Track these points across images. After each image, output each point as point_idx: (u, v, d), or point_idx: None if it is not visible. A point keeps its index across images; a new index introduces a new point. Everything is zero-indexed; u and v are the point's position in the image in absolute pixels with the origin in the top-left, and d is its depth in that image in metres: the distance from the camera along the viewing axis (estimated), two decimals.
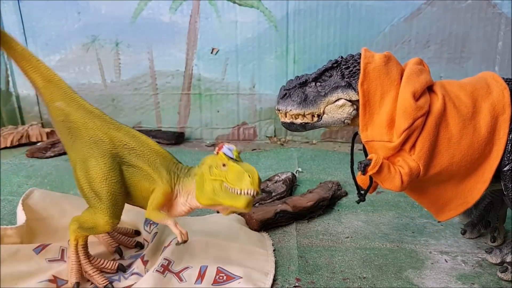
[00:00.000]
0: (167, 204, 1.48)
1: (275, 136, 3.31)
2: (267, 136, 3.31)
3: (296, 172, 2.57)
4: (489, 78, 1.49)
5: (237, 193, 1.31)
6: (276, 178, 2.34)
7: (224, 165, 1.35)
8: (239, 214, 2.00)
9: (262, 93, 3.21)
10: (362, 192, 1.59)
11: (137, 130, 1.52)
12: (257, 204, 2.07)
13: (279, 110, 1.51)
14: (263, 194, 2.16)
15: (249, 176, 1.30)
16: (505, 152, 1.41)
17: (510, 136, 1.40)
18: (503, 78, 1.49)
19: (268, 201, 2.12)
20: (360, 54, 1.46)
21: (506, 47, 2.96)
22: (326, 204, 2.09)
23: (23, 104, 3.32)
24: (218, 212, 1.43)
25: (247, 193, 1.30)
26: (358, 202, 1.59)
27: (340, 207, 2.15)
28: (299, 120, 1.49)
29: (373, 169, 1.37)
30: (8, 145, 3.14)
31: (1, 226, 1.70)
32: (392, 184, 1.39)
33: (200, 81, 3.23)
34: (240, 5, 3.03)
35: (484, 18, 2.92)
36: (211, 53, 3.16)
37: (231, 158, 1.36)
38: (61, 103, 1.48)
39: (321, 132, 3.25)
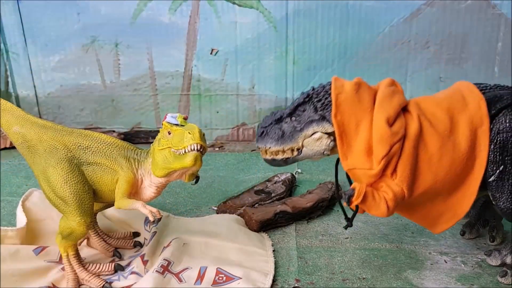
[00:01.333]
0: (136, 191, 1.52)
1: None
2: None
3: (295, 173, 2.57)
4: (464, 89, 1.47)
5: (182, 153, 1.36)
6: (276, 178, 2.34)
7: (169, 133, 1.40)
8: (238, 214, 2.00)
9: (262, 93, 3.21)
10: (349, 217, 1.58)
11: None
12: (256, 205, 2.07)
13: (259, 148, 1.53)
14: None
15: (189, 133, 1.33)
16: (488, 163, 1.39)
17: (492, 147, 1.38)
18: (479, 86, 1.47)
19: (267, 201, 2.12)
20: (330, 85, 1.44)
21: (505, 48, 2.96)
22: (326, 205, 2.09)
23: (22, 105, 3.32)
24: (183, 180, 1.49)
25: (191, 149, 1.34)
26: (345, 227, 1.57)
27: (339, 207, 2.15)
28: (280, 156, 1.50)
29: (357, 199, 1.36)
30: (8, 145, 3.14)
31: (2, 228, 1.70)
32: (379, 211, 1.38)
33: (199, 82, 3.23)
34: (239, 5, 3.03)
35: (483, 19, 2.92)
36: (211, 53, 3.16)
37: (176, 124, 1.41)
38: (16, 128, 1.55)
39: None
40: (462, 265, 1.65)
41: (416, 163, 1.37)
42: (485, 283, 1.54)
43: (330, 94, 1.43)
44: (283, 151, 1.49)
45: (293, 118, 1.49)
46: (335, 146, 1.45)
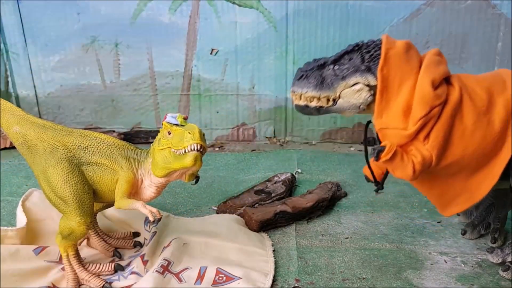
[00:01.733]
0: (136, 191, 1.52)
1: (274, 137, 3.30)
2: (266, 137, 3.31)
3: (295, 173, 2.57)
4: (505, 75, 1.48)
5: (182, 153, 1.36)
6: (276, 178, 2.34)
7: (169, 133, 1.40)
8: (238, 214, 2.00)
9: (262, 93, 3.21)
10: (378, 181, 1.58)
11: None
12: (256, 205, 2.07)
13: (294, 92, 1.48)
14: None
15: (189, 133, 1.34)
16: None
17: None
18: None
19: (267, 201, 2.12)
20: (381, 40, 1.45)
21: (505, 48, 2.96)
22: (326, 205, 2.09)
23: (22, 105, 3.32)
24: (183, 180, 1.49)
25: (191, 149, 1.34)
26: (376, 191, 1.58)
27: (339, 207, 2.15)
28: (313, 103, 1.47)
29: (386, 156, 1.36)
30: (8, 145, 3.14)
31: (2, 228, 1.70)
32: (404, 173, 1.38)
33: (199, 82, 3.22)
34: (239, 5, 3.03)
35: (483, 19, 2.92)
36: (211, 53, 3.16)
37: (176, 124, 1.41)
38: (16, 128, 1.55)
39: (320, 133, 3.24)
40: (462, 265, 1.65)
41: (450, 132, 1.37)
42: (485, 283, 1.54)
43: (380, 48, 1.42)
44: (319, 99, 1.45)
45: (337, 66, 1.45)
46: (372, 102, 1.44)
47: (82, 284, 1.54)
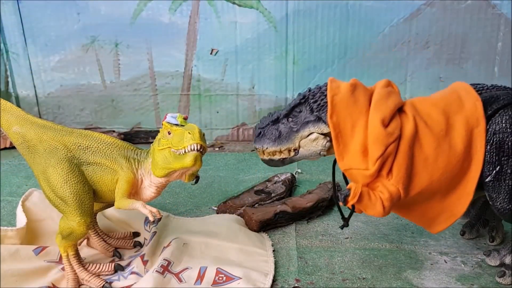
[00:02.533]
0: (136, 191, 1.52)
1: None
2: None
3: (295, 173, 2.57)
4: (461, 90, 1.47)
5: (182, 153, 1.36)
6: (276, 179, 2.34)
7: (169, 133, 1.40)
8: (238, 214, 2.00)
9: (262, 93, 3.21)
10: (346, 217, 1.59)
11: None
12: (256, 205, 2.07)
13: (256, 149, 1.54)
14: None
15: (189, 133, 1.34)
16: (484, 163, 1.39)
17: (488, 147, 1.39)
18: (475, 86, 1.48)
19: (267, 202, 2.12)
20: (327, 86, 1.45)
21: (505, 48, 2.96)
22: (326, 205, 2.09)
23: (22, 105, 3.32)
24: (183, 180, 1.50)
25: (191, 149, 1.34)
26: (341, 227, 1.59)
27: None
28: (277, 156, 1.51)
29: (353, 199, 1.37)
30: (8, 145, 3.14)
31: (2, 228, 1.70)
32: (375, 211, 1.39)
33: (199, 82, 3.23)
34: (239, 5, 3.03)
35: (483, 19, 2.92)
36: (211, 53, 3.16)
37: (176, 124, 1.41)
38: (16, 127, 1.55)
39: None
40: (462, 265, 1.65)
41: (412, 163, 1.37)
42: (485, 283, 1.54)
43: (326, 95, 1.43)
44: (280, 152, 1.50)
45: (290, 119, 1.49)
46: (331, 146, 1.46)
47: (82, 284, 1.54)
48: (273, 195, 2.18)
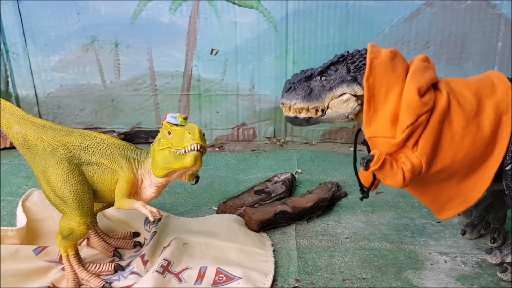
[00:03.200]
0: (136, 191, 1.52)
1: (274, 137, 3.30)
2: (266, 137, 3.31)
3: (295, 173, 2.57)
4: (494, 77, 1.48)
5: (182, 153, 1.36)
6: (276, 179, 2.34)
7: (169, 133, 1.40)
8: (238, 214, 2.00)
9: (262, 94, 3.21)
10: (365, 189, 1.59)
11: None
12: (256, 205, 2.07)
13: (283, 104, 1.50)
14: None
15: (189, 133, 1.34)
16: (507, 151, 1.40)
17: None
18: (509, 78, 1.49)
19: (267, 201, 2.11)
20: (366, 50, 1.45)
21: (505, 48, 2.96)
22: (326, 205, 2.09)
23: (22, 105, 3.32)
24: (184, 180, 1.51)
25: (191, 149, 1.34)
26: (361, 199, 1.59)
27: (339, 207, 2.15)
28: (303, 115, 1.49)
29: (375, 165, 1.36)
30: (8, 145, 3.14)
31: (2, 228, 1.70)
32: (394, 181, 1.39)
33: (199, 82, 3.22)
34: (239, 5, 3.03)
35: (483, 19, 2.92)
36: (211, 53, 3.16)
37: (176, 125, 1.41)
38: (16, 127, 1.55)
39: (320, 133, 3.25)
40: (462, 265, 1.65)
41: (439, 138, 1.37)
42: (485, 283, 1.54)
43: (365, 58, 1.43)
44: (307, 110, 1.47)
45: (324, 77, 1.47)
46: (360, 111, 1.45)
47: (82, 284, 1.54)
48: (273, 195, 2.17)
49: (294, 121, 1.51)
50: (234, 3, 3.02)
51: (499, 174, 1.43)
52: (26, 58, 3.24)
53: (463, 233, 1.83)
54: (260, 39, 3.10)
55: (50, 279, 1.54)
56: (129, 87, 3.28)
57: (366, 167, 1.38)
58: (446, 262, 1.67)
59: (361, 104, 1.44)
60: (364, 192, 1.57)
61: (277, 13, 3.03)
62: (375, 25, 3.00)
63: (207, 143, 3.30)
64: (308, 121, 1.50)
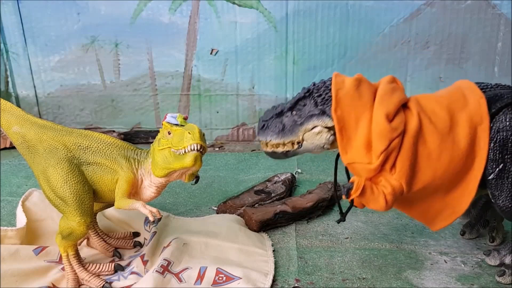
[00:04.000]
0: (136, 191, 1.52)
1: None
2: None
3: (295, 173, 2.57)
4: (465, 88, 1.47)
5: (182, 153, 1.36)
6: (276, 179, 2.34)
7: (169, 133, 1.40)
8: (238, 214, 2.00)
9: (262, 93, 3.21)
10: (344, 211, 1.60)
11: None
12: (256, 205, 2.07)
13: (260, 141, 1.54)
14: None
15: (189, 133, 1.34)
16: (487, 161, 1.40)
17: (491, 145, 1.39)
18: (479, 85, 1.48)
19: (267, 201, 2.11)
20: (331, 80, 1.45)
21: (505, 48, 2.96)
22: (326, 205, 2.09)
23: (22, 105, 3.32)
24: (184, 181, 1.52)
25: (191, 149, 1.34)
26: (338, 222, 1.61)
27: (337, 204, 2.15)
28: (280, 149, 1.51)
29: (356, 192, 1.38)
30: (8, 145, 3.14)
31: (2, 228, 1.70)
32: (377, 205, 1.39)
33: (199, 82, 3.23)
34: (239, 5, 3.03)
35: (483, 19, 2.93)
36: (211, 53, 3.16)
37: (176, 124, 1.41)
38: (16, 127, 1.55)
39: None
40: (462, 265, 1.65)
41: (416, 159, 1.37)
42: (485, 283, 1.54)
43: (330, 90, 1.43)
44: (284, 144, 1.49)
45: (294, 112, 1.49)
46: (335, 140, 1.46)
47: (82, 284, 1.54)
48: (273, 195, 2.17)
49: (273, 155, 1.54)
50: (234, 3, 3.03)
51: (484, 183, 1.43)
52: (26, 58, 3.24)
53: (463, 233, 1.83)
54: (260, 39, 3.10)
55: (50, 279, 1.54)
56: (129, 87, 3.28)
57: (348, 195, 1.40)
58: (446, 262, 1.67)
59: (334, 134, 1.45)
60: (342, 215, 1.58)
61: (277, 13, 3.03)
62: (375, 25, 3.00)
63: (207, 143, 3.30)
64: (286, 154, 1.52)
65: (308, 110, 1.47)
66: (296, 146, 1.50)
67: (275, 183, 2.30)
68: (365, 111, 1.40)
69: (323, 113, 1.44)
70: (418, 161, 1.38)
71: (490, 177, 1.41)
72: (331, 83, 1.44)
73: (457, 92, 1.47)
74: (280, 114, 1.50)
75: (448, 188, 1.44)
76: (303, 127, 1.47)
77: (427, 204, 1.49)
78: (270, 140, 1.50)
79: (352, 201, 1.42)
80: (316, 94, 1.47)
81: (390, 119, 1.36)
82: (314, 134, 1.47)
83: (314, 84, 1.50)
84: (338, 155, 1.53)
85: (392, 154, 1.35)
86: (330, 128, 1.45)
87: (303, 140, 1.49)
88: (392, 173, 1.37)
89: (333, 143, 1.48)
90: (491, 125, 1.40)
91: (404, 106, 1.43)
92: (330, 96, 1.43)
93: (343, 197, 1.42)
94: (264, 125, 1.51)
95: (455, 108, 1.42)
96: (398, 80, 1.51)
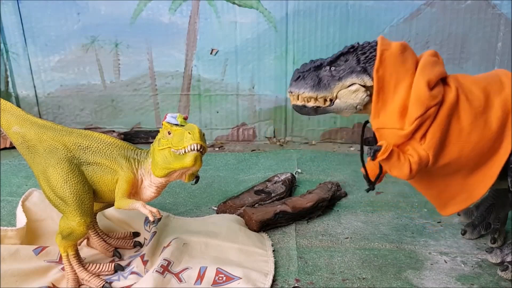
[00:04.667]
0: (136, 191, 1.52)
1: (274, 137, 3.30)
2: (266, 137, 3.31)
3: (295, 173, 2.57)
4: (502, 75, 1.49)
5: (182, 153, 1.36)
6: (276, 179, 2.34)
7: (169, 133, 1.40)
8: (238, 214, 2.00)
9: (262, 94, 3.21)
10: (371, 181, 1.59)
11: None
12: (256, 205, 2.07)
13: (291, 92, 1.50)
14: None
15: (189, 133, 1.34)
16: None
17: None
18: None
19: (267, 201, 2.11)
20: (376, 42, 1.46)
21: (505, 48, 2.96)
22: (326, 205, 2.09)
23: (22, 105, 3.32)
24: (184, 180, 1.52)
25: (191, 149, 1.34)
26: (367, 190, 1.60)
27: (339, 207, 2.15)
28: (311, 104, 1.48)
29: (383, 155, 1.37)
30: (8, 145, 3.14)
31: (2, 228, 1.70)
32: (401, 172, 1.39)
33: (199, 82, 3.22)
34: (239, 5, 3.03)
35: (483, 19, 2.92)
36: (211, 54, 3.16)
37: (176, 124, 1.41)
38: (16, 128, 1.55)
39: (320, 133, 3.24)
40: (462, 265, 1.65)
41: (447, 132, 1.38)
42: (485, 283, 1.54)
43: (375, 49, 1.44)
44: (316, 99, 1.47)
45: (333, 68, 1.47)
46: (369, 102, 1.45)
47: (82, 284, 1.54)
48: (273, 195, 2.18)
49: (302, 110, 1.51)
50: (234, 3, 3.02)
51: (505, 171, 1.43)
52: (26, 58, 3.23)
53: (464, 232, 1.83)
54: (260, 39, 3.10)
55: (50, 279, 1.54)
56: (129, 87, 3.28)
57: (374, 157, 1.39)
58: (446, 262, 1.67)
59: (370, 95, 1.44)
60: (371, 184, 1.57)
61: (277, 13, 3.03)
62: (375, 25, 3.00)
63: (207, 143, 3.30)
64: (316, 110, 1.49)
65: (349, 66, 1.45)
66: (328, 103, 1.48)
67: (275, 183, 2.30)
68: (406, 77, 1.39)
69: (364, 70, 1.43)
70: (449, 135, 1.38)
71: None
72: (376, 43, 1.45)
73: (494, 77, 1.48)
74: (319, 67, 1.48)
75: (470, 169, 1.45)
76: (340, 83, 1.45)
77: (445, 183, 1.49)
78: (303, 92, 1.46)
79: (381, 169, 1.40)
80: (360, 52, 1.46)
81: (431, 87, 1.36)
82: (350, 92, 1.45)
83: (358, 43, 1.49)
84: (365, 123, 1.52)
85: (425, 122, 1.36)
86: (368, 88, 1.44)
87: (336, 97, 1.46)
88: (422, 142, 1.37)
89: (366, 106, 1.47)
90: None
91: (443, 81, 1.43)
92: (374, 56, 1.43)
93: (369, 158, 1.41)
94: (299, 76, 1.47)
95: (491, 91, 1.42)
96: (440, 56, 1.52)
